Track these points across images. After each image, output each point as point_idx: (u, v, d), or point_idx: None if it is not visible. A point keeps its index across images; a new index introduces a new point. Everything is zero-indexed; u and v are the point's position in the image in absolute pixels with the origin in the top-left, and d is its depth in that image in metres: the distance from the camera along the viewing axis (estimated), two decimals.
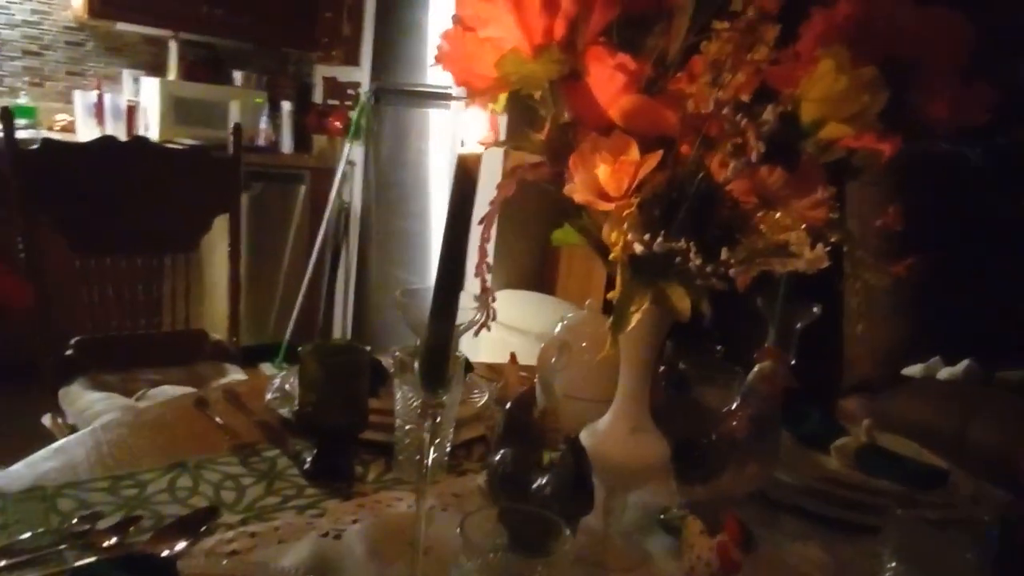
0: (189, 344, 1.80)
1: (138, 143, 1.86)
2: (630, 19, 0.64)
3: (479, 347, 1.34)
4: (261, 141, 3.59)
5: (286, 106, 3.65)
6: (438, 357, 0.57)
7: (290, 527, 0.75)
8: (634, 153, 0.59)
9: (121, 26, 3.39)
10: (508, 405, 0.77)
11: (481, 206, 0.63)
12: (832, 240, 0.57)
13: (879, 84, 0.53)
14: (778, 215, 0.58)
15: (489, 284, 0.67)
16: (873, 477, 0.94)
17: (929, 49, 0.55)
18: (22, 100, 3.24)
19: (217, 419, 0.96)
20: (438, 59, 0.67)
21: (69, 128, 3.30)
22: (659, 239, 0.55)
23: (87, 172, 1.61)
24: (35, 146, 1.56)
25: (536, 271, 2.73)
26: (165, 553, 0.68)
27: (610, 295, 0.60)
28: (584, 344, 0.95)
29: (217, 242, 1.90)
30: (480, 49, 0.63)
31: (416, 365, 0.59)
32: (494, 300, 0.66)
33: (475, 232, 0.60)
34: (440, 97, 3.07)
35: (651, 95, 0.61)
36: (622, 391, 0.70)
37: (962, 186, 1.94)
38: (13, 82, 3.28)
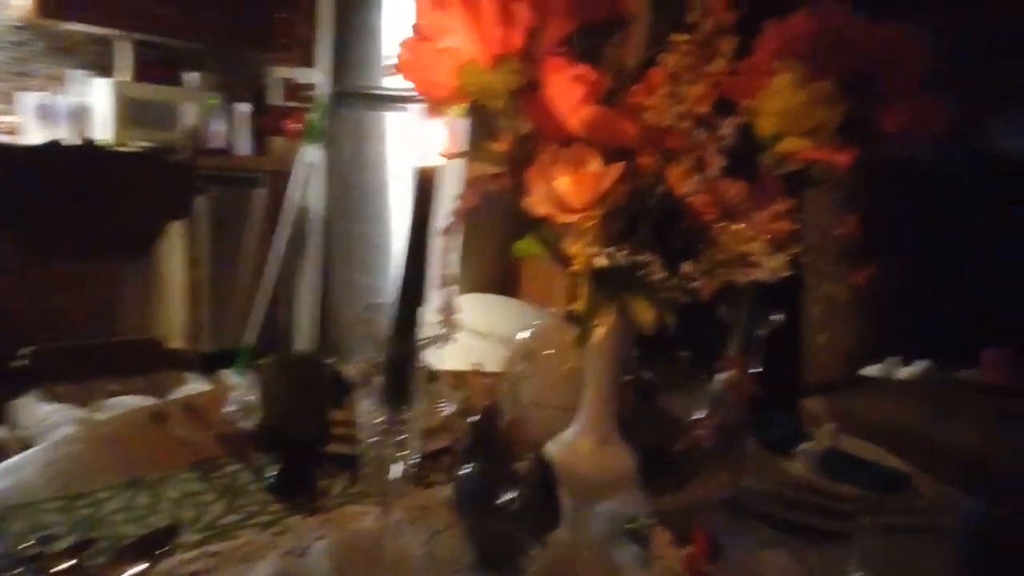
0: (147, 352, 1.77)
1: (88, 146, 1.81)
2: (589, 29, 0.64)
3: (444, 353, 1.33)
4: (215, 144, 3.52)
5: (242, 108, 3.58)
6: (400, 373, 0.57)
7: (253, 545, 0.74)
8: (595, 164, 0.59)
9: (69, 25, 3.29)
10: (474, 418, 0.77)
11: (444, 216, 0.62)
12: (792, 252, 0.58)
13: (836, 98, 0.54)
14: (739, 227, 0.58)
15: (452, 295, 0.66)
16: (837, 482, 0.95)
17: (883, 64, 0.56)
18: None
19: (176, 433, 0.94)
20: (398, 68, 0.66)
21: (13, 130, 3.20)
22: (622, 252, 0.55)
23: (35, 176, 1.57)
24: None
25: (501, 274, 2.73)
26: None
27: (573, 307, 0.60)
28: (550, 351, 0.95)
29: (175, 247, 1.87)
30: (438, 59, 0.62)
31: (379, 381, 0.58)
32: (457, 312, 0.66)
33: (437, 242, 0.59)
34: (400, 100, 3.05)
35: (611, 106, 0.61)
36: (588, 403, 0.70)
37: (918, 190, 1.99)
38: None
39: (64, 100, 3.27)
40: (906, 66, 0.56)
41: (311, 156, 3.42)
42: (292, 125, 3.53)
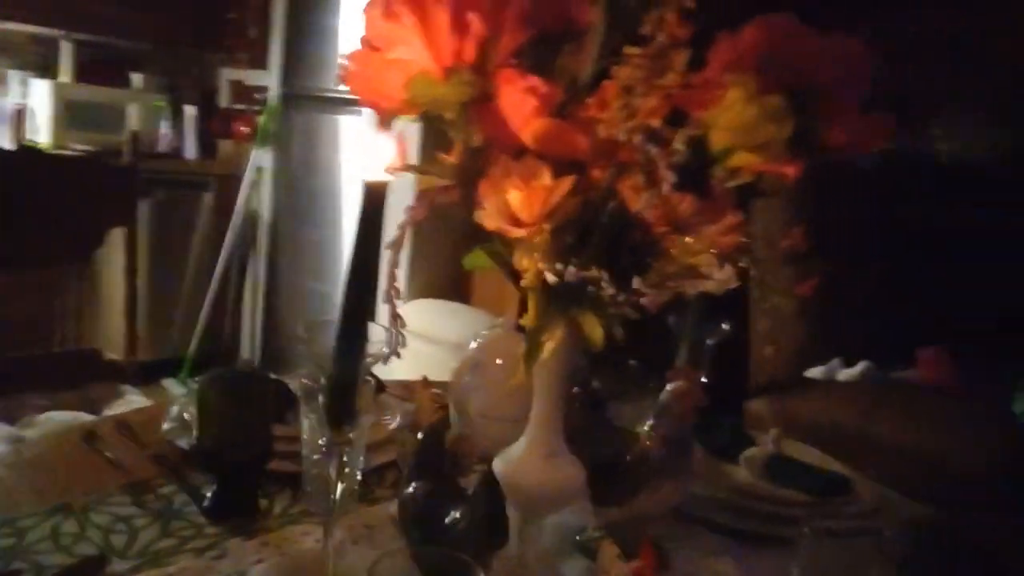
0: (81, 365, 1.69)
1: (24, 151, 1.74)
2: (542, 39, 0.63)
3: (392, 359, 1.31)
4: (162, 147, 3.43)
5: (189, 110, 3.50)
6: (345, 392, 0.55)
7: (189, 572, 0.71)
8: (546, 178, 0.58)
9: (10, 25, 3.17)
10: (420, 435, 0.75)
11: (392, 228, 0.61)
12: (740, 264, 0.58)
13: (786, 112, 0.54)
14: (689, 240, 0.58)
15: (399, 310, 0.64)
16: (781, 487, 0.96)
17: (830, 78, 0.56)
18: None
19: (107, 454, 0.90)
20: (345, 80, 0.64)
21: None
22: (572, 268, 0.55)
23: None
24: None
25: (451, 280, 2.71)
26: None
27: (522, 321, 0.59)
28: (499, 362, 0.94)
29: (114, 253, 1.80)
30: (388, 71, 0.61)
31: (321, 399, 0.56)
32: (403, 326, 0.64)
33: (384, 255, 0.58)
34: (352, 104, 3.01)
35: (563, 119, 0.60)
36: (535, 417, 0.69)
37: (858, 196, 2.04)
38: None
39: (2, 102, 3.15)
40: (852, 80, 0.56)
41: (261, 160, 3.36)
42: (242, 128, 3.46)
